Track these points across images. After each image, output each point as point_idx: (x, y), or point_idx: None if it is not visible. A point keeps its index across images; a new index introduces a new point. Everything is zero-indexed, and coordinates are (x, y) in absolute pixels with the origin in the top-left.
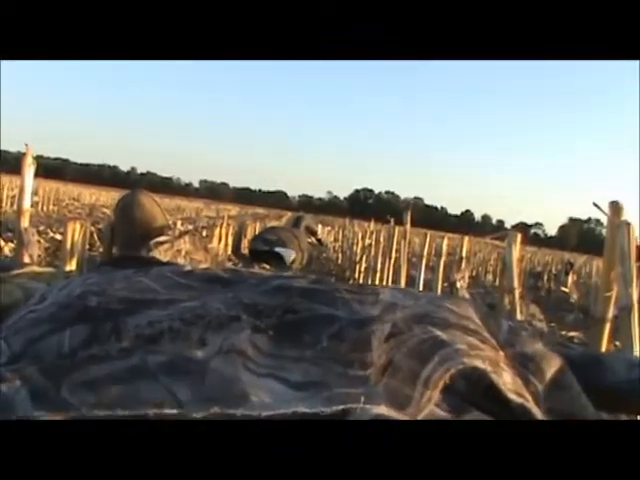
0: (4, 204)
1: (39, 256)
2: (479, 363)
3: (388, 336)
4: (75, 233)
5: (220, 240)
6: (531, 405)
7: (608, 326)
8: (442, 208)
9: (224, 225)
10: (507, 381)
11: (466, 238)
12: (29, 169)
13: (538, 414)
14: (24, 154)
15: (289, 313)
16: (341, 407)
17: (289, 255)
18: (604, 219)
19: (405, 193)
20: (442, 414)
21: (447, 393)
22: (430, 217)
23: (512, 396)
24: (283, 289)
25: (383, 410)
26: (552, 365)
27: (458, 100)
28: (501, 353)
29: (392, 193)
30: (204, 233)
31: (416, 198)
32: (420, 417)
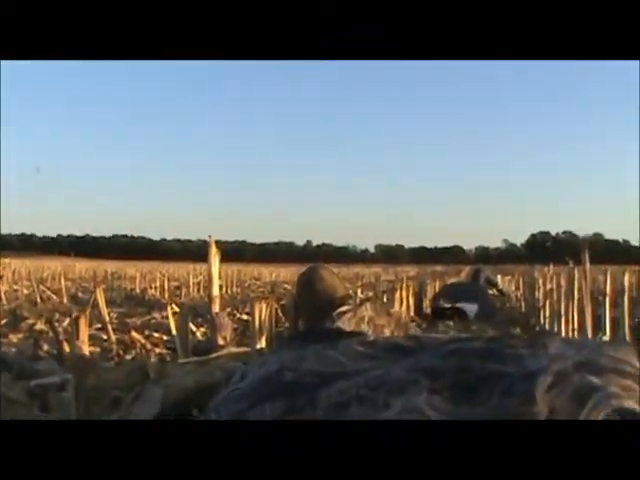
0: (191, 290)
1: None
2: (630, 404)
3: (550, 386)
4: (262, 312)
5: (402, 303)
6: None
7: None
8: (625, 241)
9: (404, 287)
10: None
11: None
12: (215, 259)
13: None
14: (208, 243)
15: (463, 373)
16: None
17: (472, 309)
18: None
19: (583, 231)
20: None
21: None
22: (612, 252)
23: None
24: (458, 351)
25: None
26: None
27: None
28: None
29: (570, 232)
30: (385, 297)
31: (595, 234)
32: None
